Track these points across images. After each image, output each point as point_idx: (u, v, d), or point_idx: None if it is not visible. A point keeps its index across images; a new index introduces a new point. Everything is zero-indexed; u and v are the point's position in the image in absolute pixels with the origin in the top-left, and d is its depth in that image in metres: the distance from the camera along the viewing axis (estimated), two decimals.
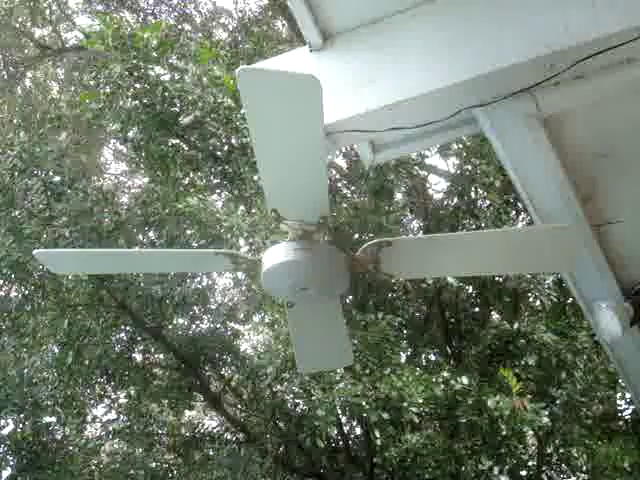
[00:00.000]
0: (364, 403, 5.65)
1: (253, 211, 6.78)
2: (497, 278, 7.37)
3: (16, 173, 6.90)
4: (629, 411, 7.62)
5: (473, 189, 7.61)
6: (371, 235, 6.75)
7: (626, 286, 3.17)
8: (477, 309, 8.38)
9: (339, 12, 2.39)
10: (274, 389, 7.92)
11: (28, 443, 7.52)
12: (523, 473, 7.31)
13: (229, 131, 5.94)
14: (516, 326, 6.72)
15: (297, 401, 7.77)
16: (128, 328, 7.84)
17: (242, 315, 9.05)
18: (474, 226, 7.39)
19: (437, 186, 8.88)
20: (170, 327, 8.24)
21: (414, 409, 5.63)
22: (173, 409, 8.64)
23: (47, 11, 10.79)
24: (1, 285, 7.99)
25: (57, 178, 6.98)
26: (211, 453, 8.20)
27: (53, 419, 8.00)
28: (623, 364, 3.73)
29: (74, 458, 8.05)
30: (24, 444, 7.49)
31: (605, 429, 7.28)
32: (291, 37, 9.37)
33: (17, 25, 10.69)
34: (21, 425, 7.62)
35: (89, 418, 8.61)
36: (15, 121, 9.65)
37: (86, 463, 8.17)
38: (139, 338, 8.03)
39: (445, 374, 6.10)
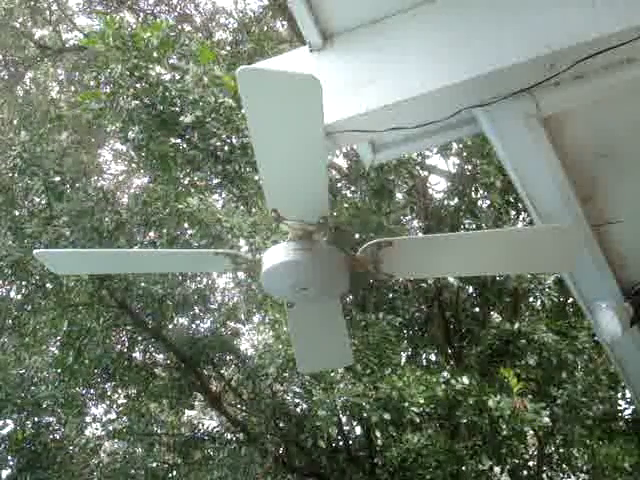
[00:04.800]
0: (365, 403, 5.65)
1: (253, 211, 6.78)
2: (497, 278, 7.37)
3: (17, 173, 6.91)
4: (629, 411, 7.62)
5: (473, 189, 7.60)
6: (371, 235, 6.74)
7: (626, 286, 3.17)
8: (477, 309, 8.38)
9: (339, 12, 2.39)
10: (274, 389, 7.92)
11: (28, 443, 7.53)
12: (524, 473, 7.31)
13: (230, 131, 5.94)
14: (516, 326, 6.71)
15: (297, 401, 7.77)
16: (128, 328, 7.85)
17: (242, 315, 9.05)
18: (474, 226, 7.39)
19: (437, 186, 8.88)
20: (170, 327, 8.25)
21: (415, 409, 5.63)
22: (173, 409, 8.64)
23: (47, 11, 10.79)
24: (1, 285, 7.99)
25: (58, 178, 6.98)
26: (211, 453, 8.21)
27: (53, 419, 8.01)
28: (623, 364, 3.73)
29: (74, 458, 8.05)
30: (24, 444, 7.49)
31: (606, 429, 7.28)
32: (291, 37, 9.37)
33: (17, 25, 10.68)
34: (21, 425, 7.62)
35: (89, 418, 8.62)
36: (15, 121, 9.65)
37: (86, 463, 8.18)
38: (139, 338, 8.03)
39: (445, 374, 6.10)
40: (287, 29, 9.86)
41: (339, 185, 8.25)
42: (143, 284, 7.21)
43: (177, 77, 5.87)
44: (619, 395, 7.40)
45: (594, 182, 2.77)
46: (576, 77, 2.22)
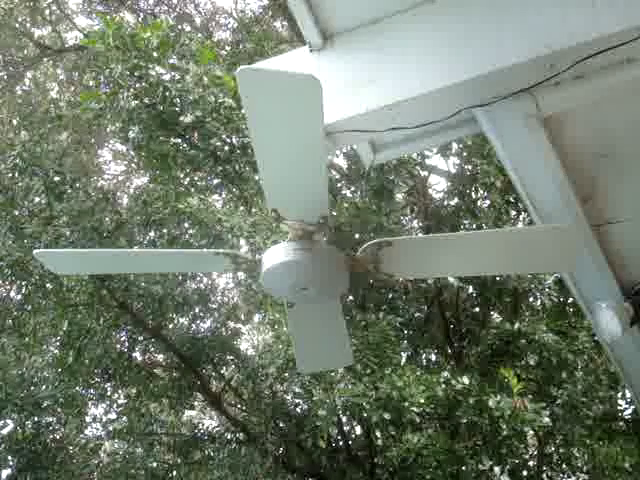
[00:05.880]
0: (365, 403, 5.65)
1: (254, 211, 6.78)
2: (497, 278, 7.37)
3: (17, 173, 6.91)
4: (629, 411, 7.62)
5: (473, 189, 7.60)
6: (371, 235, 6.74)
7: (626, 286, 3.17)
8: (477, 309, 8.38)
9: (339, 12, 2.39)
10: (274, 389, 7.92)
11: (28, 443, 7.52)
12: (524, 473, 7.31)
13: (230, 131, 5.94)
14: (516, 326, 6.71)
15: (297, 401, 7.77)
16: (128, 328, 7.84)
17: (242, 315, 9.05)
18: (474, 226, 7.39)
19: (437, 186, 8.88)
20: (170, 327, 8.25)
21: (415, 409, 5.63)
22: (173, 409, 8.65)
23: (47, 11, 10.79)
24: (1, 285, 7.99)
25: (58, 178, 6.99)
26: (211, 453, 8.21)
27: (53, 419, 8.01)
28: (623, 364, 3.73)
29: (74, 458, 8.06)
30: (24, 444, 7.49)
31: (606, 429, 7.28)
32: (291, 37, 9.37)
33: (17, 25, 10.69)
34: (21, 425, 7.62)
35: (89, 418, 8.62)
36: (15, 121, 9.65)
37: (86, 463, 8.18)
38: (139, 338, 8.03)
39: (446, 374, 6.10)
40: (287, 29, 9.86)
41: (339, 185, 8.25)
42: (143, 284, 7.21)
43: (177, 77, 5.87)
44: (619, 395, 7.40)
45: (594, 182, 2.77)
46: (576, 77, 2.22)
